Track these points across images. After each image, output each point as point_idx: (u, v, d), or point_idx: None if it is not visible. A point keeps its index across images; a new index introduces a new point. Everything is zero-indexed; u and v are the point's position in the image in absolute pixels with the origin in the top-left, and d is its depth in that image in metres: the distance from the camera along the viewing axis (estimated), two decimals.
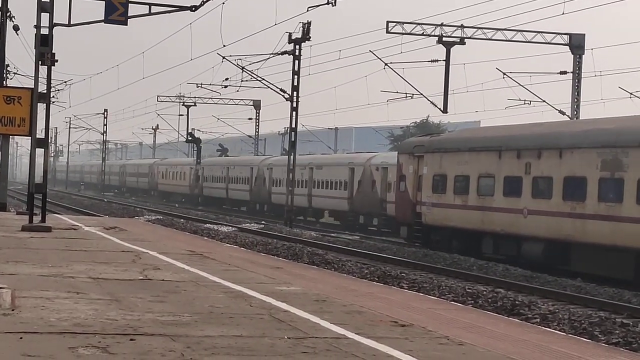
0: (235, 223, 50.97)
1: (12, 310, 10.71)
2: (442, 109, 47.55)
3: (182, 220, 50.44)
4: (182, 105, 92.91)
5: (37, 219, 26.05)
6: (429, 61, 48.42)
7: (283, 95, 53.19)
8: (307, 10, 43.17)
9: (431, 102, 48.98)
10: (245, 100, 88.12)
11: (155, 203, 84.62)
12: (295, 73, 50.23)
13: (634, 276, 25.99)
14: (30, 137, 26.80)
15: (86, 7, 28.64)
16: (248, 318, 11.03)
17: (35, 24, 25.56)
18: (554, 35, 46.08)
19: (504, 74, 48.56)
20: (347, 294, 14.42)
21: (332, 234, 45.34)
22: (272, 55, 53.58)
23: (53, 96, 72.37)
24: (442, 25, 45.25)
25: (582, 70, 46.67)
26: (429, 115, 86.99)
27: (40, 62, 25.62)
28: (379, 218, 50.00)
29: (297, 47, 49.91)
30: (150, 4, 27.50)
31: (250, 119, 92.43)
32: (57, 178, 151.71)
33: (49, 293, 12.37)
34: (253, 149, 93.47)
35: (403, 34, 45.22)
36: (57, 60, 25.57)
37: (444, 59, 46.30)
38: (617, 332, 16.61)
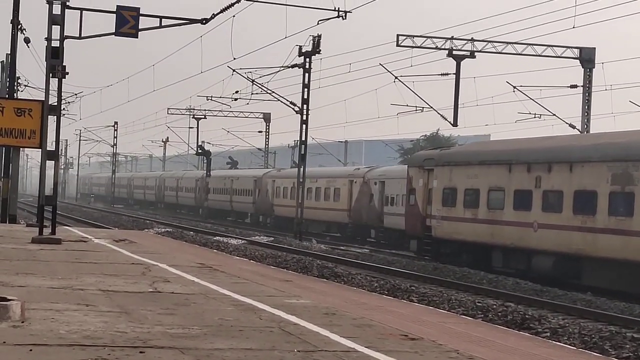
0: (244, 236, 51.01)
1: (22, 322, 10.71)
2: (452, 122, 47.50)
3: (191, 232, 50.47)
4: (192, 117, 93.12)
5: (47, 231, 26.09)
6: (439, 74, 48.39)
7: (293, 108, 53.24)
8: (318, 24, 43.15)
9: (441, 115, 48.95)
10: (255, 113, 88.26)
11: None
12: (306, 86, 50.25)
13: None
14: (40, 150, 26.86)
15: (97, 20, 28.73)
16: (258, 331, 11.02)
17: (46, 36, 25.64)
18: (565, 49, 46.04)
19: (514, 87, 48.52)
20: (356, 307, 14.40)
21: (342, 247, 45.32)
22: (282, 68, 53.62)
23: (63, 108, 72.62)
24: (452, 38, 45.25)
25: (593, 84, 46.59)
26: (439, 129, 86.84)
27: (51, 75, 25.69)
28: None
29: (308, 60, 49.95)
30: (160, 17, 27.59)
31: (260, 131, 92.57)
32: (66, 191, 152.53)
33: (58, 305, 12.37)
34: (263, 161, 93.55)
35: (413, 47, 45.22)
36: (67, 73, 25.64)
37: (454, 72, 46.26)
38: (628, 346, 16.56)
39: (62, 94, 27.07)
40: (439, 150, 39.32)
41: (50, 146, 27.90)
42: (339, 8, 40.96)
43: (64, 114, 75.61)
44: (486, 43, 45.45)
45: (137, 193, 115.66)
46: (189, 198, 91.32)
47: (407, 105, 56.69)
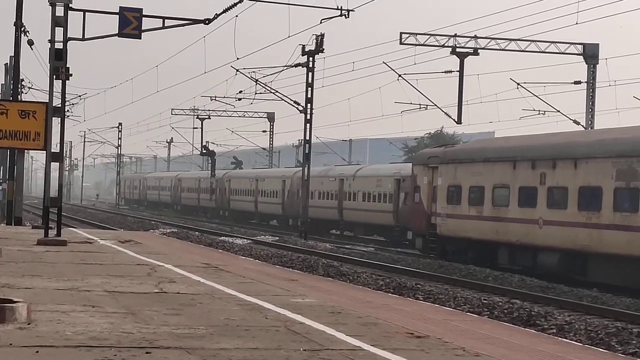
0: (249, 235, 51.02)
1: (28, 324, 10.73)
2: (456, 119, 47.47)
3: (197, 233, 50.49)
4: (196, 118, 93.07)
5: (52, 233, 26.12)
6: (442, 72, 48.36)
7: (297, 108, 53.22)
8: (321, 23, 43.16)
9: (445, 113, 48.89)
10: (259, 113, 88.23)
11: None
12: (309, 85, 50.23)
13: None
14: (45, 152, 26.88)
15: (100, 21, 28.76)
16: (264, 330, 11.03)
17: (50, 38, 25.66)
18: (568, 45, 46.02)
19: (518, 84, 48.50)
20: (362, 305, 14.40)
21: (347, 246, 45.32)
22: (285, 68, 53.62)
23: (68, 110, 72.69)
24: (455, 36, 45.23)
25: (597, 80, 46.58)
26: (443, 126, 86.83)
27: (54, 77, 25.70)
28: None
29: (311, 59, 49.94)
30: (163, 18, 27.58)
31: (264, 131, 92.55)
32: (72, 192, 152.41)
33: (64, 307, 12.39)
34: (267, 161, 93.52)
35: (417, 45, 45.21)
36: (71, 75, 25.66)
37: (458, 69, 46.24)
38: (634, 342, 16.54)
39: (66, 96, 27.23)
40: (444, 148, 39.29)
41: (55, 148, 27.89)
42: (341, 7, 41.02)
43: (68, 116, 75.68)
44: (489, 40, 45.45)
45: (237, 202, 79.06)
46: (328, 209, 58.67)
47: (411, 103, 56.69)
